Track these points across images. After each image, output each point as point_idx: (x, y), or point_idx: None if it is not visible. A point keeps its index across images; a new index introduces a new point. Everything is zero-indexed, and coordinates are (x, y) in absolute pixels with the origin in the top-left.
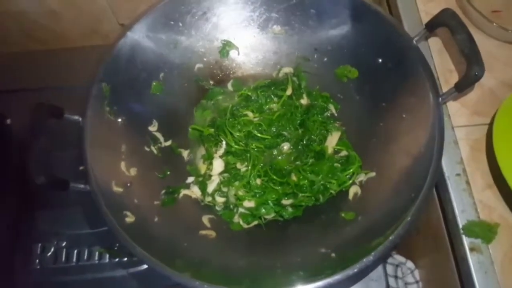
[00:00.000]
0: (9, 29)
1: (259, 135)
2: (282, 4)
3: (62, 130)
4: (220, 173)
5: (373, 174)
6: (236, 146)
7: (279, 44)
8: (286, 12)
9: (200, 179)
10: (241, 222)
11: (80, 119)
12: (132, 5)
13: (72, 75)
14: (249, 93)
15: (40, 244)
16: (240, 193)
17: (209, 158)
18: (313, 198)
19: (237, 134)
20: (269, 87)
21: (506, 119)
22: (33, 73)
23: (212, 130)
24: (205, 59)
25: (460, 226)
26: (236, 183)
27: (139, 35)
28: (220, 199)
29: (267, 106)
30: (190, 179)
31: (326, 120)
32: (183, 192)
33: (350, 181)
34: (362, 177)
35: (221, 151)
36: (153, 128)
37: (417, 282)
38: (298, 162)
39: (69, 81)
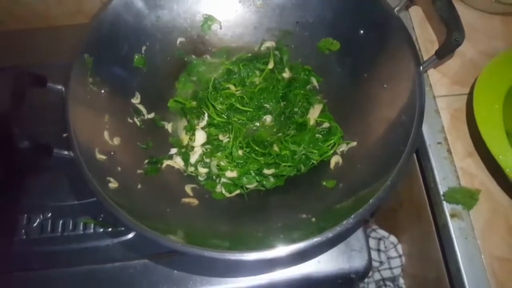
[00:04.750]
0: None
1: (241, 107)
2: None
3: (46, 100)
4: (203, 145)
5: (354, 143)
6: (218, 119)
7: (261, 17)
8: None
9: (183, 150)
10: (223, 191)
11: (63, 88)
12: None
13: (56, 53)
14: (231, 67)
15: (26, 215)
16: (222, 163)
17: (191, 130)
18: (294, 168)
19: (219, 106)
20: (251, 60)
21: (486, 86)
22: (17, 52)
23: (194, 103)
24: (187, 33)
25: (441, 193)
26: (219, 154)
27: (121, 8)
28: (202, 170)
29: (249, 80)
30: (173, 150)
31: (309, 93)
32: (166, 162)
33: (332, 151)
34: (343, 147)
35: (203, 123)
36: (135, 100)
37: (400, 256)
38: (280, 134)
39: (53, 59)
